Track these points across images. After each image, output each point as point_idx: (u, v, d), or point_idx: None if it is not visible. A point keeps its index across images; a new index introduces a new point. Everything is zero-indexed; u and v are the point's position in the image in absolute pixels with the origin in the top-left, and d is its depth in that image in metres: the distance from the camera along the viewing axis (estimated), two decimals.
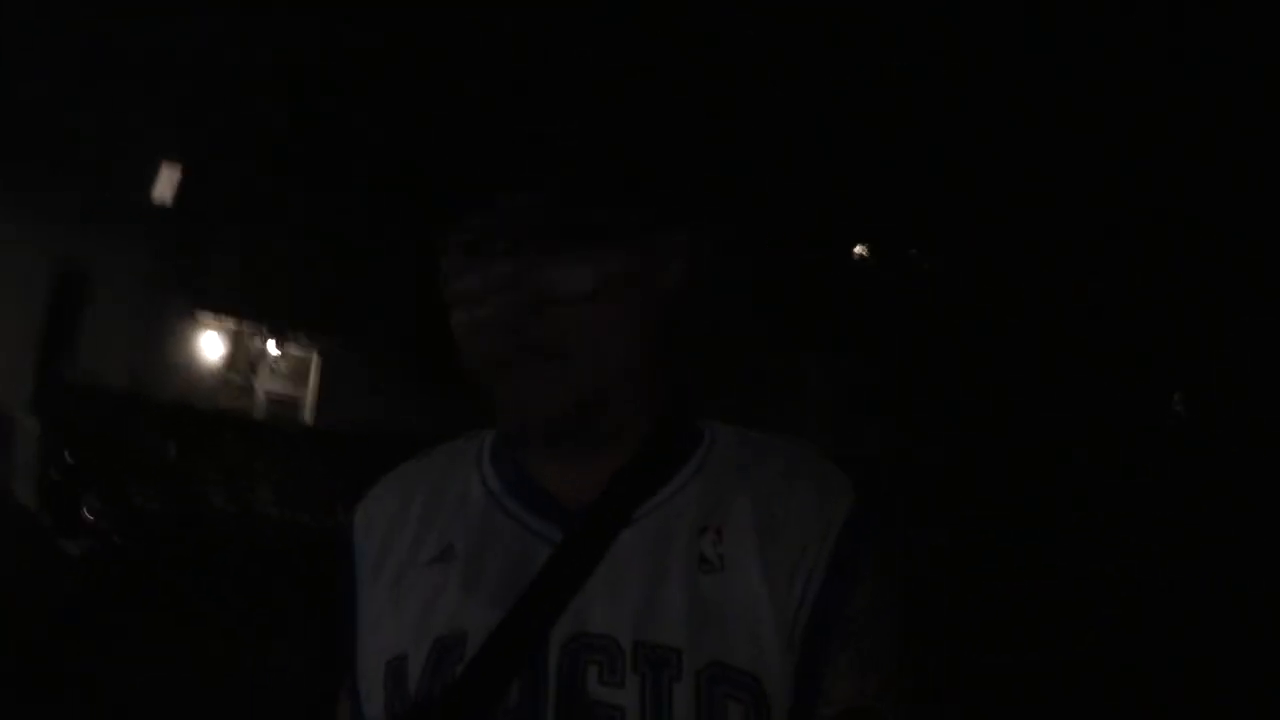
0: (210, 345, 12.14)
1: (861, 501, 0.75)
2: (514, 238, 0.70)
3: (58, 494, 6.44)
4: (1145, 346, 7.70)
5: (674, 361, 0.81)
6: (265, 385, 12.79)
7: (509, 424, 0.74)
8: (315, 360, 13.17)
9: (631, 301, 0.74)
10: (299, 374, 13.16)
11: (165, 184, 11.28)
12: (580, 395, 0.72)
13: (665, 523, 0.74)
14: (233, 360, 12.39)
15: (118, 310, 10.27)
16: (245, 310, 12.41)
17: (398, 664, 0.73)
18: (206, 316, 11.97)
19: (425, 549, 0.77)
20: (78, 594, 5.57)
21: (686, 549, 0.72)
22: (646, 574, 0.71)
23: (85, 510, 6.30)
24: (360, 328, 12.02)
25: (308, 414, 12.83)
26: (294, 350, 12.96)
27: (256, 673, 4.65)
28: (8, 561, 5.84)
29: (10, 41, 9.28)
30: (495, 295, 0.70)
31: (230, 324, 12.28)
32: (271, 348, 12.77)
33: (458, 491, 0.80)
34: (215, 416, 9.54)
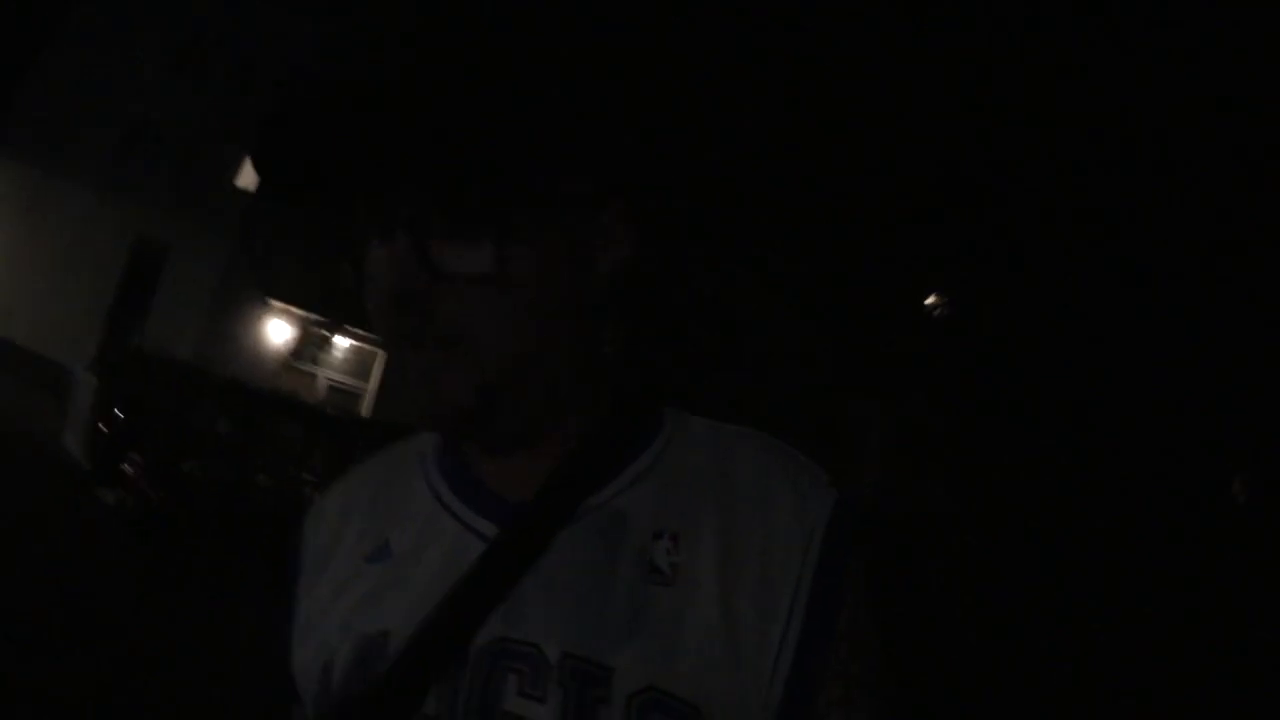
0: (278, 331, 12.56)
1: (843, 503, 0.69)
2: (415, 216, 0.66)
3: (103, 445, 6.72)
4: (1207, 429, 7.34)
5: (626, 348, 0.77)
6: (328, 374, 13.18)
7: (413, 412, 0.70)
8: (380, 355, 13.54)
9: (547, 282, 0.69)
10: (364, 366, 13.53)
11: (249, 173, 11.79)
12: (483, 382, 0.67)
13: (612, 524, 0.68)
14: (299, 347, 12.82)
15: (193, 288, 10.74)
16: (313, 303, 12.84)
17: (326, 659, 0.70)
18: (277, 304, 12.41)
19: (364, 547, 0.74)
20: (109, 542, 5.78)
21: (635, 555, 0.67)
22: (586, 580, 0.66)
23: (126, 465, 6.56)
24: None
25: (367, 406, 13.15)
26: (361, 344, 13.34)
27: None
28: (49, 503, 6.12)
29: (111, 25, 9.90)
30: (394, 274, 0.65)
31: (299, 312, 12.71)
32: (339, 339, 13.19)
33: (401, 489, 0.77)
34: (271, 396, 9.78)
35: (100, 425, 6.80)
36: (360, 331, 13.13)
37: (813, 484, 0.70)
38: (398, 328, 0.66)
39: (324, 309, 12.76)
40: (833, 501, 0.69)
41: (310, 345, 13.15)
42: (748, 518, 0.68)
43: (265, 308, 12.41)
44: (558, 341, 0.70)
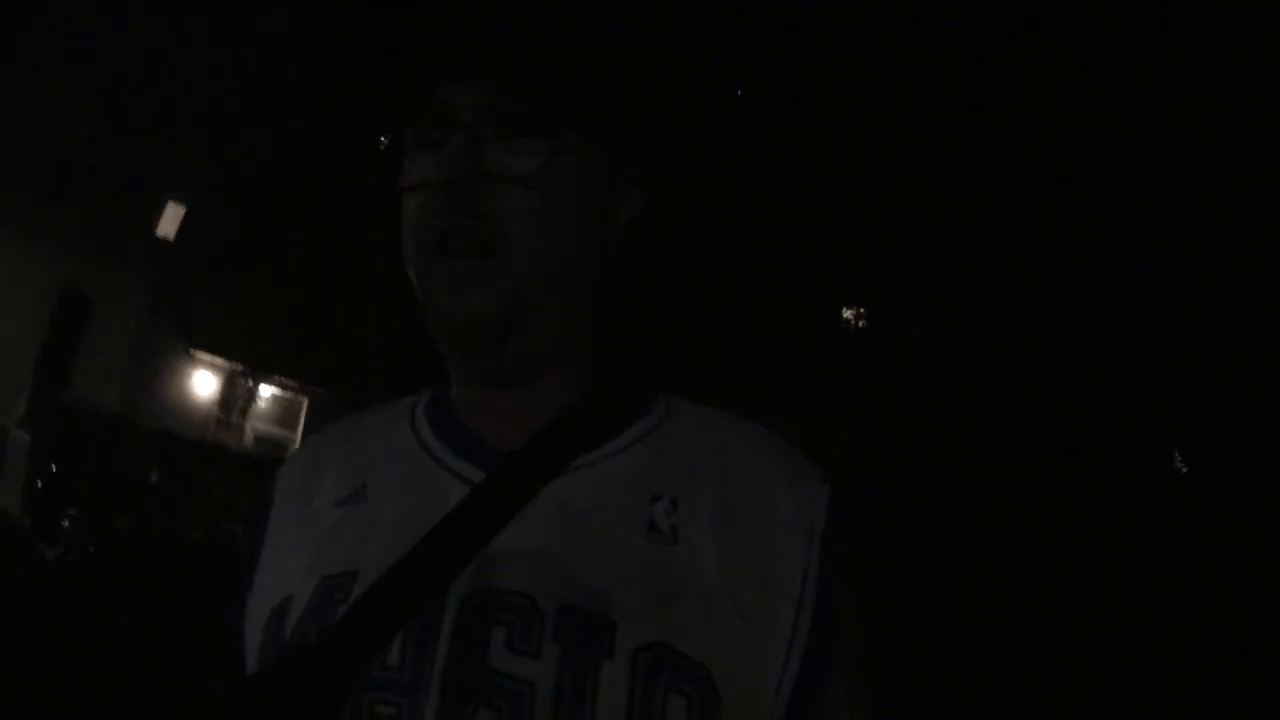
0: (203, 382, 12.36)
1: (840, 493, 0.68)
2: (468, 121, 0.66)
3: (40, 502, 6.62)
4: (1146, 403, 7.44)
5: (627, 317, 0.76)
6: (254, 424, 12.98)
7: (440, 320, 0.67)
8: (305, 404, 13.43)
9: (584, 201, 0.70)
10: (289, 415, 13.36)
11: (169, 221, 11.62)
12: (514, 289, 0.66)
13: (609, 480, 0.66)
14: (224, 398, 12.63)
15: (116, 339, 10.48)
16: (237, 352, 12.63)
17: (282, 606, 0.64)
18: (201, 354, 12.22)
19: (339, 492, 0.70)
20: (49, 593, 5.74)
21: (632, 513, 0.64)
22: (581, 532, 0.62)
23: (64, 520, 6.49)
24: (348, 375, 12.17)
25: None
26: (285, 393, 13.20)
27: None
28: None
29: (37, 65, 9.69)
30: (443, 173, 0.65)
31: (223, 363, 12.51)
32: (263, 389, 13.02)
33: (384, 436, 0.74)
34: (200, 448, 9.69)
35: (37, 482, 6.71)
36: (285, 380, 13.03)
37: (810, 477, 0.69)
38: (436, 230, 0.65)
39: (248, 358, 12.64)
40: (829, 495, 0.67)
41: (236, 395, 12.99)
42: (747, 498, 0.66)
43: (189, 358, 12.23)
44: (584, 266, 0.70)
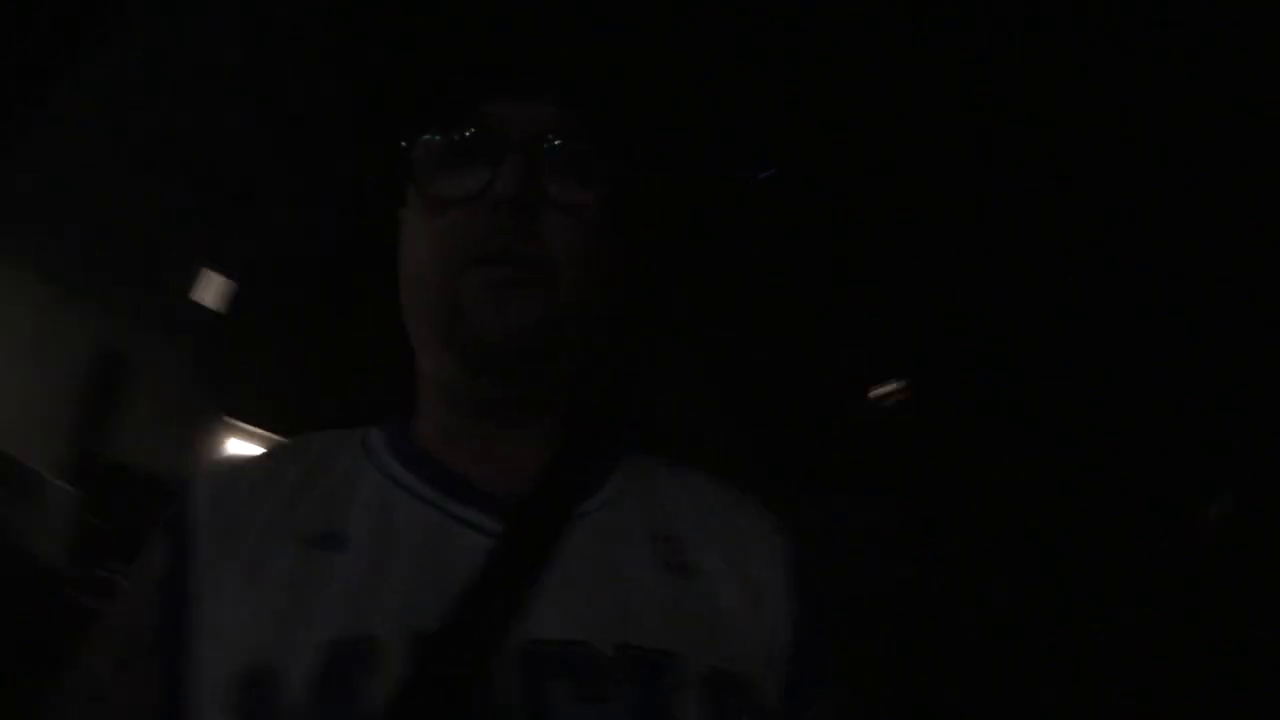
0: (238, 449, 12.20)
1: (790, 537, 0.74)
2: (525, 139, 0.66)
3: (83, 552, 6.49)
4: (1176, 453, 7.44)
5: (600, 358, 0.75)
6: None
7: (469, 334, 0.66)
8: None
9: (614, 236, 0.71)
10: None
11: (208, 287, 11.65)
12: (554, 322, 0.67)
13: (614, 523, 0.67)
14: None
15: (153, 401, 10.44)
16: (272, 422, 12.55)
17: (259, 675, 0.59)
18: (236, 422, 12.08)
19: (302, 531, 0.66)
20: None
21: (642, 555, 0.65)
22: (606, 574, 0.63)
23: (105, 571, 6.31)
24: None
25: None
26: None
27: None
28: (18, 608, 5.77)
29: (73, 128, 9.91)
30: (502, 189, 0.65)
31: (259, 432, 12.39)
32: None
33: (340, 472, 0.70)
34: None
35: (78, 532, 6.58)
36: None
37: (765, 517, 0.74)
38: (486, 246, 0.66)
39: (283, 429, 12.49)
40: (790, 542, 0.72)
41: None
42: (728, 534, 0.70)
43: (225, 425, 12.12)
44: (603, 298, 0.70)
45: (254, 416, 12.25)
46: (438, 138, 0.68)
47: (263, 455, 0.75)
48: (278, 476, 0.70)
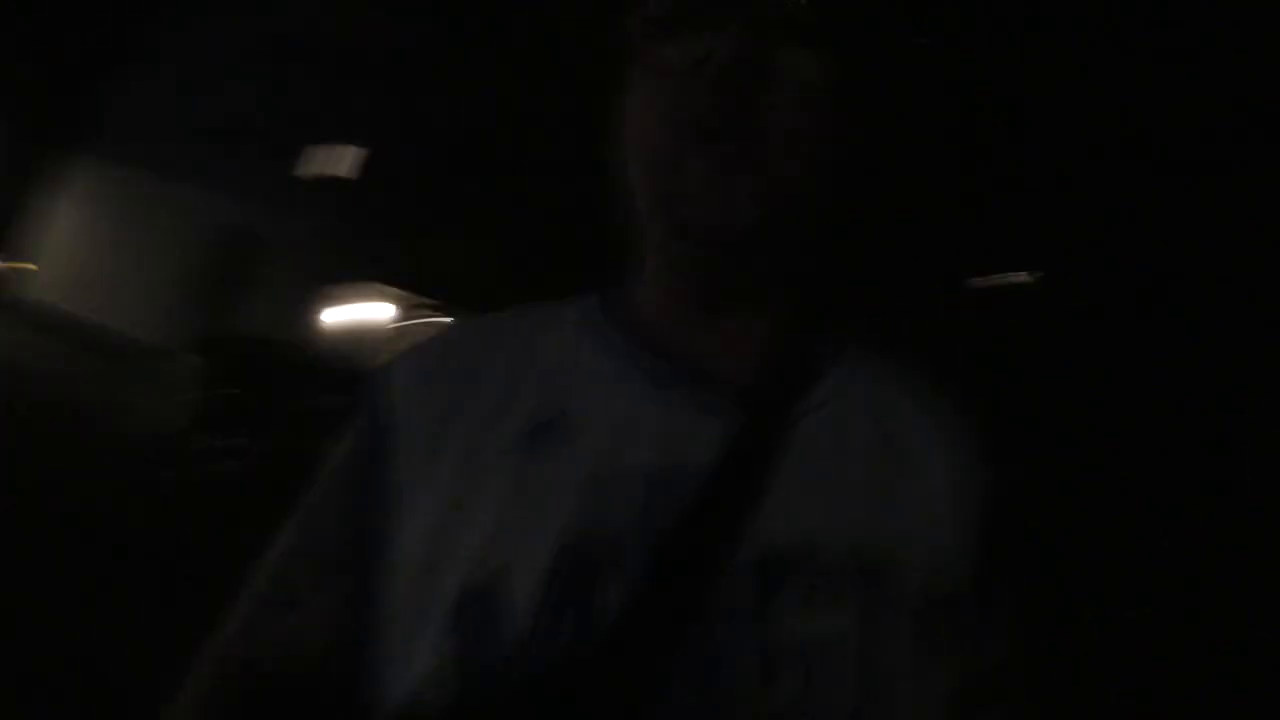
0: (378, 311, 12.94)
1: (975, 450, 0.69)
2: (753, 9, 0.62)
3: (213, 422, 7.06)
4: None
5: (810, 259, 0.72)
6: None
7: (695, 215, 0.61)
8: None
9: (831, 121, 0.65)
10: None
11: (345, 163, 12.14)
12: (770, 193, 0.62)
13: (840, 418, 0.63)
14: (400, 327, 13.17)
15: (295, 273, 11.17)
16: (417, 285, 13.16)
17: (488, 583, 0.53)
18: (380, 288, 12.76)
19: (516, 418, 0.60)
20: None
21: (869, 452, 0.62)
22: (834, 474, 0.60)
23: (235, 440, 6.88)
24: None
25: None
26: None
27: None
28: (150, 476, 6.42)
29: (214, 17, 10.33)
30: (727, 54, 0.60)
31: (403, 296, 13.05)
32: (440, 320, 13.51)
33: (559, 349, 0.65)
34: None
35: (207, 404, 7.14)
36: (462, 315, 13.41)
37: (962, 430, 0.69)
38: (709, 116, 0.60)
39: (426, 291, 13.07)
40: (976, 457, 0.68)
41: (414, 328, 13.53)
42: (936, 439, 0.67)
43: (365, 289, 12.82)
44: (818, 186, 0.65)
45: (396, 279, 12.88)
46: (678, 10, 0.64)
47: (465, 333, 0.69)
48: (487, 358, 0.65)
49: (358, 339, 12.43)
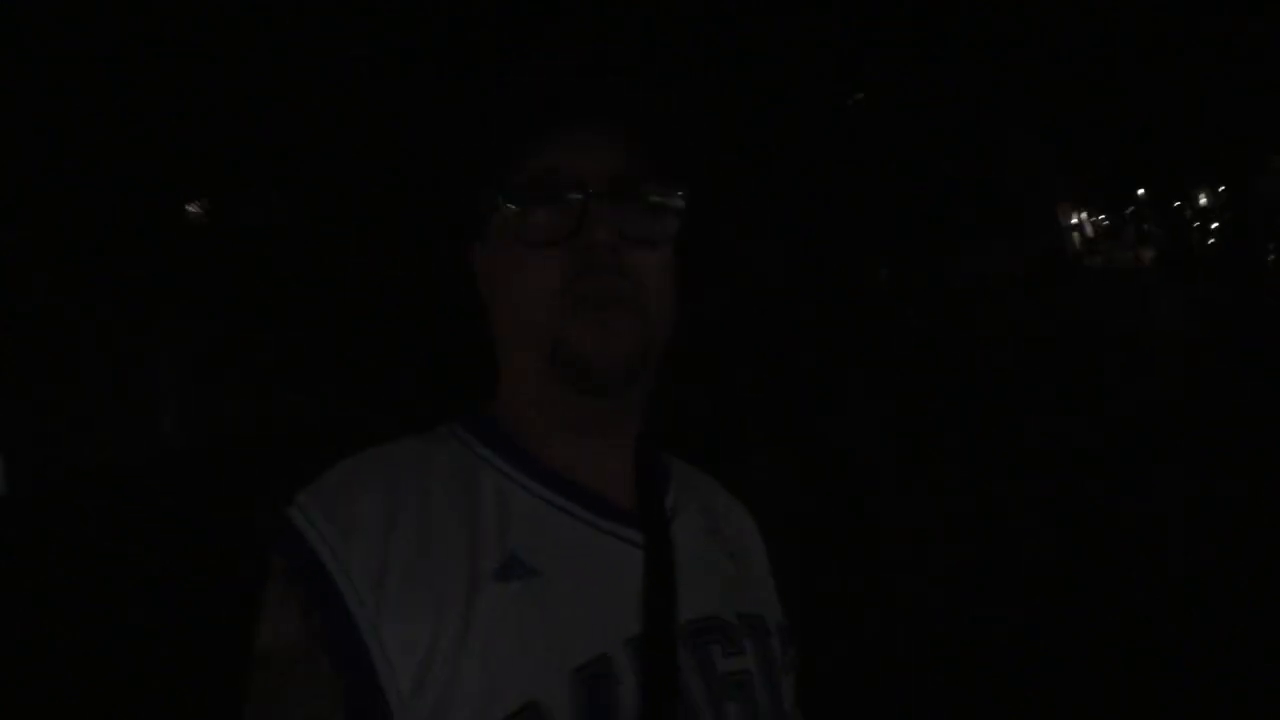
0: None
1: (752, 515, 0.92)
2: (602, 184, 0.71)
3: None
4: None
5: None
6: None
7: (581, 367, 0.71)
8: None
9: (677, 265, 0.78)
10: None
11: None
12: (646, 336, 0.73)
13: (690, 521, 0.81)
14: None
15: None
16: None
17: (525, 712, 0.62)
18: None
19: (479, 562, 0.67)
20: None
21: (712, 543, 0.81)
22: (704, 563, 0.78)
23: None
24: None
25: None
26: None
27: None
28: None
29: None
30: (592, 235, 0.70)
31: None
32: None
33: (475, 485, 0.72)
34: None
35: None
36: None
37: (744, 511, 0.92)
38: (584, 287, 0.70)
39: None
40: (755, 522, 0.91)
41: None
42: (735, 522, 0.88)
43: None
44: (671, 314, 0.78)
45: None
46: (524, 181, 0.72)
47: (362, 470, 0.71)
48: (404, 498, 0.68)
49: None
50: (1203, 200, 19.61)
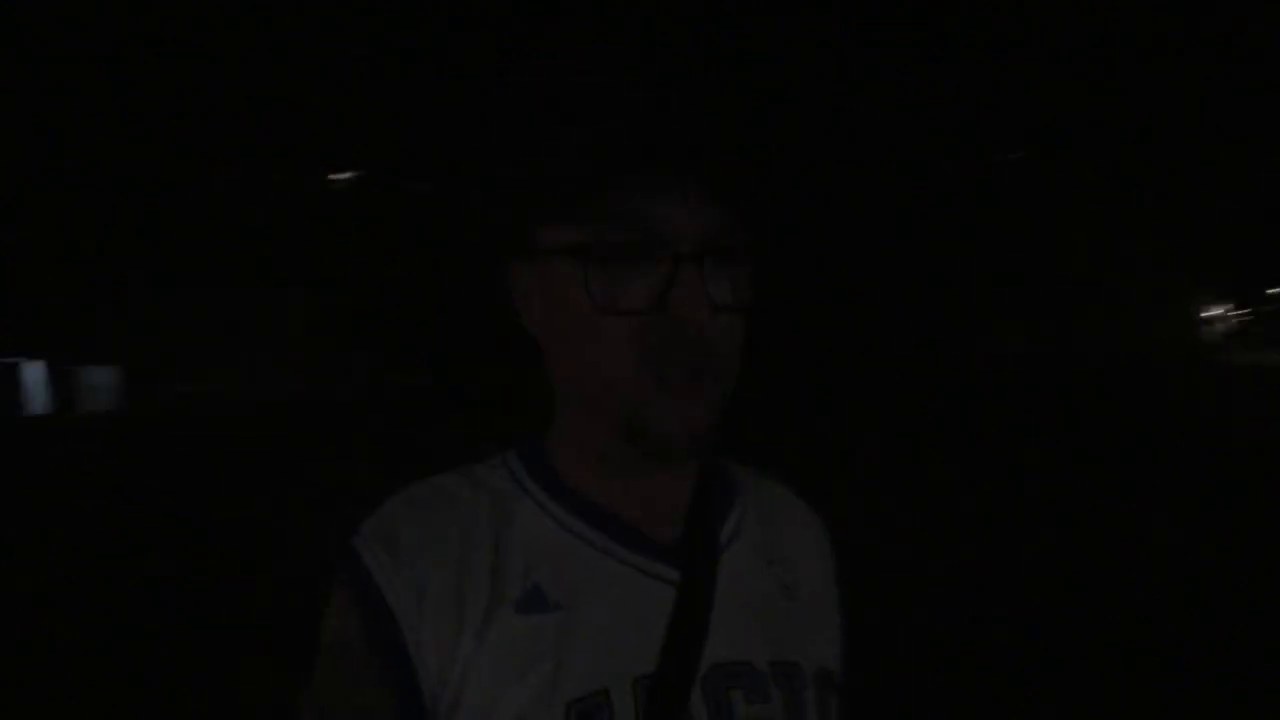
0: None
1: (832, 541, 0.88)
2: (690, 249, 0.66)
3: None
4: None
5: None
6: None
7: (655, 439, 0.68)
8: None
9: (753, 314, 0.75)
10: None
11: None
12: (720, 405, 0.71)
13: (744, 553, 0.77)
14: None
15: None
16: None
17: None
18: None
19: (499, 592, 0.69)
20: None
21: (768, 578, 0.78)
22: (748, 602, 0.74)
23: None
24: None
25: None
26: None
27: None
28: None
29: None
30: (683, 310, 0.66)
31: None
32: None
33: (510, 519, 0.74)
34: None
35: None
36: None
37: (820, 528, 0.88)
38: (670, 360, 0.66)
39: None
40: (830, 541, 0.88)
41: None
42: (806, 552, 0.84)
43: None
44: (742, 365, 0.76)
45: None
46: (608, 241, 0.66)
47: (415, 503, 0.74)
48: (446, 530, 0.71)
49: None
50: None
